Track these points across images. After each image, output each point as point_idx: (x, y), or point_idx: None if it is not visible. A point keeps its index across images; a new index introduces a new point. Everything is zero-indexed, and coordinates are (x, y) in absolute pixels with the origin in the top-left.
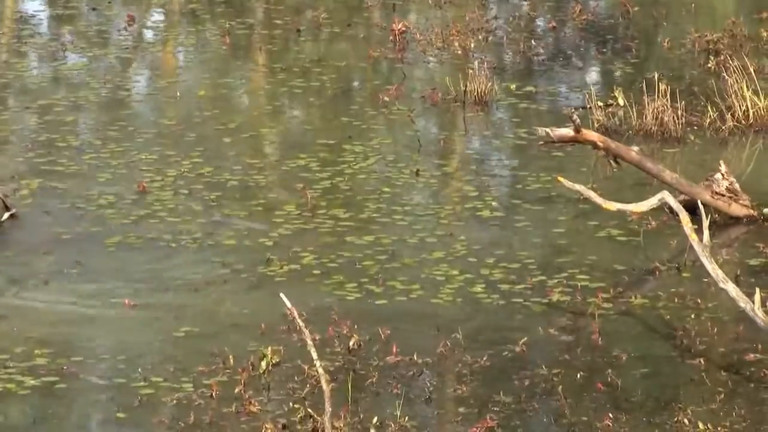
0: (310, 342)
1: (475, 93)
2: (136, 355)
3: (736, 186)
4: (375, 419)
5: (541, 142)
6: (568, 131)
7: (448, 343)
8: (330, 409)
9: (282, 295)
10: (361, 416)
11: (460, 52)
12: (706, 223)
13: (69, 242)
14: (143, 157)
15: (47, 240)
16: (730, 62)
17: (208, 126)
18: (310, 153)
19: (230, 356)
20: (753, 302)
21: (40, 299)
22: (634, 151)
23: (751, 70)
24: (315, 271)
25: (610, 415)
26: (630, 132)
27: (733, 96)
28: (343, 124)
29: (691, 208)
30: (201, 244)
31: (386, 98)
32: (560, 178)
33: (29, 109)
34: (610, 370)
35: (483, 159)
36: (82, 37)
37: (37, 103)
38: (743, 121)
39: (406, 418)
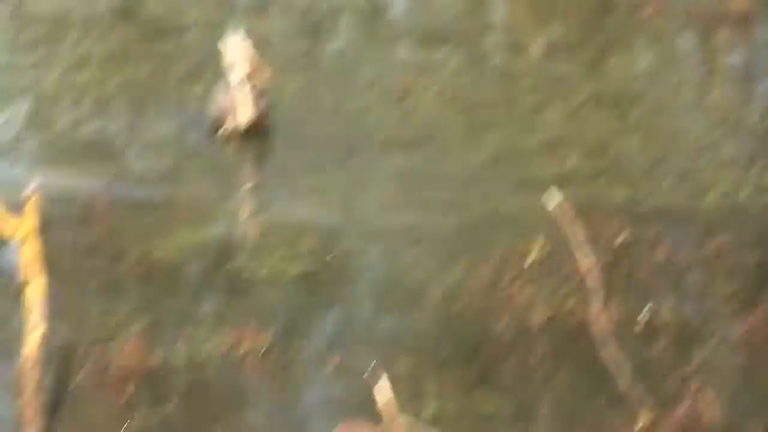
0: (580, 238)
1: None
2: None
3: None
4: (646, 309)
5: None
6: None
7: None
8: (600, 303)
9: (552, 191)
10: (631, 307)
11: None
12: None
13: None
14: None
15: None
16: None
17: None
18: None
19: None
20: None
21: None
22: None
23: None
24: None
25: None
26: None
27: None
28: None
29: None
30: None
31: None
32: None
33: None
34: None
35: None
36: None
37: None
38: None
39: (671, 311)
